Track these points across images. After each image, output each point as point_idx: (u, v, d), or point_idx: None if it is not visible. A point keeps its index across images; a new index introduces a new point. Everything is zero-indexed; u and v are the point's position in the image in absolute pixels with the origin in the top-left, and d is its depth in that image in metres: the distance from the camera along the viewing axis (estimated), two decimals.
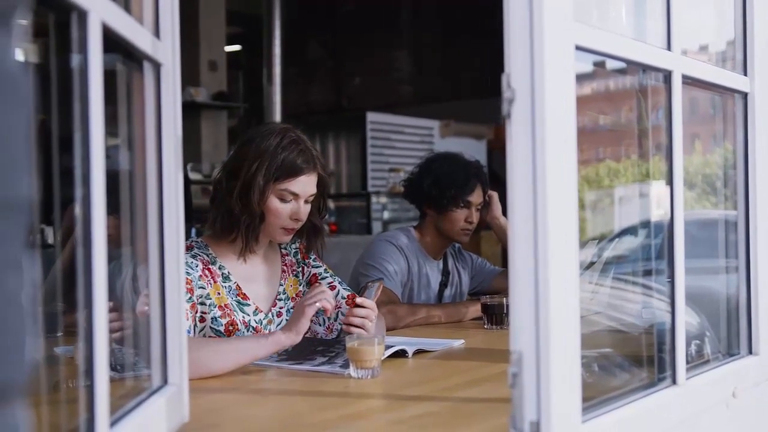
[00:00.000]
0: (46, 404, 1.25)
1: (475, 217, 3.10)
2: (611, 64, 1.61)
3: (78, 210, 1.04)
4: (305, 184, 2.27)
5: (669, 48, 1.57)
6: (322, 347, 2.19)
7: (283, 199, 2.25)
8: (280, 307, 2.38)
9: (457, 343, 2.42)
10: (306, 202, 2.29)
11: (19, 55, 0.61)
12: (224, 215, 2.26)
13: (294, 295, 2.43)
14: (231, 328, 2.23)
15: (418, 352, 2.26)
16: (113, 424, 1.13)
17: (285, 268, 2.44)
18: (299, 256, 2.48)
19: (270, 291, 2.38)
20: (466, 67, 9.39)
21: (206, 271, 2.23)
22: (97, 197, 1.04)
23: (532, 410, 1.20)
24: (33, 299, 0.64)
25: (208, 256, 2.28)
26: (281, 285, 2.41)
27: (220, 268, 2.29)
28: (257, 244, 2.33)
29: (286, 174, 2.23)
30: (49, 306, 1.64)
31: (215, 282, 2.25)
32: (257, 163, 2.21)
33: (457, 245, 3.29)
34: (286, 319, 2.35)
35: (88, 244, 1.03)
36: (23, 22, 0.63)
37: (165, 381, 1.41)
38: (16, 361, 0.60)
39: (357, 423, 1.61)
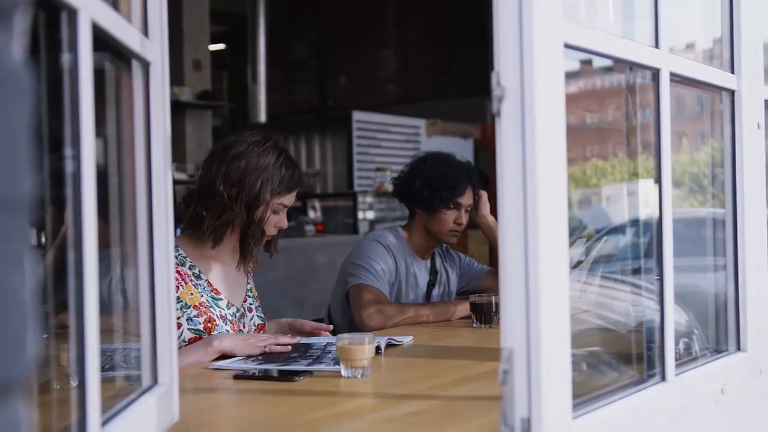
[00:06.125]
0: (36, 405, 1.24)
1: (465, 218, 3.10)
2: (598, 62, 1.61)
3: (68, 211, 1.03)
4: (294, 197, 2.44)
5: (657, 46, 1.58)
6: (296, 353, 2.19)
7: (275, 212, 2.38)
8: (250, 303, 2.51)
9: (407, 340, 2.43)
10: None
11: (20, 54, 0.61)
12: (224, 225, 2.34)
13: (256, 296, 2.57)
14: (209, 324, 2.31)
15: (389, 345, 2.31)
16: (104, 423, 1.12)
17: (249, 270, 2.57)
18: (251, 266, 2.61)
19: (239, 289, 2.49)
20: (452, 65, 9.43)
21: (176, 274, 2.26)
22: (88, 198, 1.03)
23: (522, 407, 1.20)
24: (34, 296, 0.64)
25: (177, 257, 2.33)
26: (248, 284, 2.54)
27: (190, 268, 2.36)
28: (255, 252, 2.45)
29: (286, 189, 2.38)
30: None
31: (186, 283, 2.32)
32: (261, 180, 2.32)
33: (445, 245, 3.29)
34: (257, 315, 2.51)
35: (78, 244, 1.03)
36: (24, 20, 0.63)
37: (155, 381, 1.41)
38: (18, 357, 0.60)
39: (348, 422, 1.61)
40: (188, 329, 2.27)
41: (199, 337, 2.27)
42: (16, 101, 0.59)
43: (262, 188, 2.32)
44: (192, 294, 2.31)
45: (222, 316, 2.35)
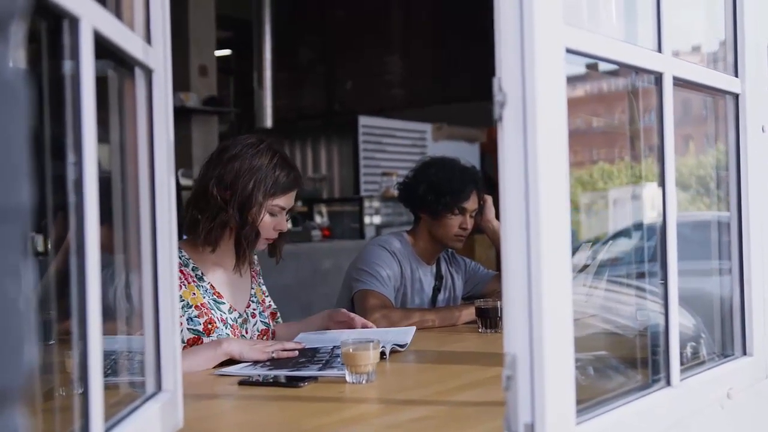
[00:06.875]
0: (41, 412, 1.25)
1: (470, 223, 3.10)
2: (604, 66, 1.61)
3: (71, 217, 1.04)
4: (292, 199, 2.43)
5: (660, 50, 1.57)
6: (304, 359, 2.19)
7: (272, 214, 2.38)
8: (253, 309, 2.51)
9: (410, 334, 2.47)
10: (287, 213, 2.44)
11: (17, 62, 0.62)
12: (219, 227, 2.34)
13: (260, 300, 2.56)
14: (210, 326, 2.32)
15: (394, 351, 2.31)
16: (107, 430, 1.12)
17: (253, 274, 2.57)
18: (259, 268, 2.62)
19: (243, 294, 2.49)
20: (457, 70, 9.41)
21: (179, 273, 2.28)
22: (90, 204, 1.04)
23: (526, 412, 1.20)
24: (31, 305, 0.64)
25: (180, 258, 2.34)
26: (252, 289, 2.54)
27: (193, 270, 2.37)
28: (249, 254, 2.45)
29: (281, 191, 2.37)
30: (41, 314, 1.63)
31: (189, 283, 2.34)
32: (253, 181, 2.32)
33: (450, 249, 3.29)
34: (260, 321, 2.51)
35: (81, 251, 1.03)
36: (21, 29, 0.63)
37: (159, 387, 1.41)
38: (15, 366, 0.60)
39: (353, 427, 1.61)
40: (188, 329, 2.28)
41: (198, 338, 2.27)
42: (12, 111, 0.59)
43: (255, 189, 2.32)
44: (194, 294, 2.33)
45: (222, 320, 2.35)
